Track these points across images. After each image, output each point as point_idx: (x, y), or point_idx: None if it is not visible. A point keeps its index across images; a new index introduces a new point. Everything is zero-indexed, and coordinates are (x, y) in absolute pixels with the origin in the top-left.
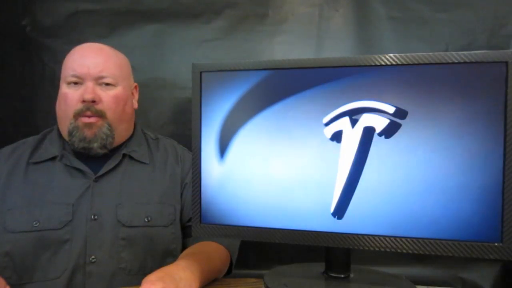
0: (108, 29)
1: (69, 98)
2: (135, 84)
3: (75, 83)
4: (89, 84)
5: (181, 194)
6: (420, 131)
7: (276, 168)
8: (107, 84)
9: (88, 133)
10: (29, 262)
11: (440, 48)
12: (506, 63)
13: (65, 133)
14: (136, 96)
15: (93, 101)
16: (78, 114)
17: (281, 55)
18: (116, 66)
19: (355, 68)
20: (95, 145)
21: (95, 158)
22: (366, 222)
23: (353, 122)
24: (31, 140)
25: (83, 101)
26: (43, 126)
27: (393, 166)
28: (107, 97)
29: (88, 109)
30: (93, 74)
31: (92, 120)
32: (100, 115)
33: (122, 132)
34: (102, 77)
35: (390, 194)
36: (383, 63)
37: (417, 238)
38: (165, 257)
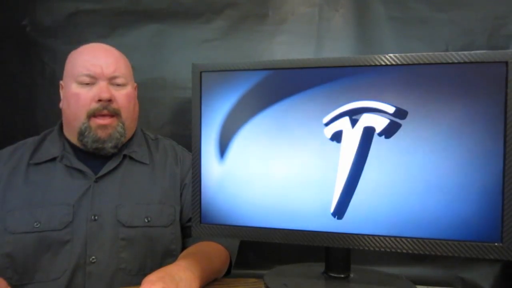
0: (108, 29)
1: (82, 98)
2: (135, 84)
3: (87, 83)
4: (103, 84)
5: (181, 195)
6: (420, 131)
7: (276, 168)
8: (118, 84)
9: (102, 134)
10: (30, 263)
11: (440, 48)
12: (506, 63)
13: (74, 133)
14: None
15: (109, 100)
16: (92, 114)
17: (281, 55)
18: (125, 66)
19: (355, 68)
20: (109, 145)
21: (96, 159)
22: (366, 222)
23: (353, 122)
24: (31, 141)
25: (99, 101)
26: (43, 126)
27: (393, 166)
28: (120, 96)
29: (105, 108)
30: (107, 74)
31: (106, 121)
32: (116, 113)
33: (130, 132)
34: (115, 77)
35: (390, 194)
36: (383, 63)
37: (417, 238)
38: (165, 257)
